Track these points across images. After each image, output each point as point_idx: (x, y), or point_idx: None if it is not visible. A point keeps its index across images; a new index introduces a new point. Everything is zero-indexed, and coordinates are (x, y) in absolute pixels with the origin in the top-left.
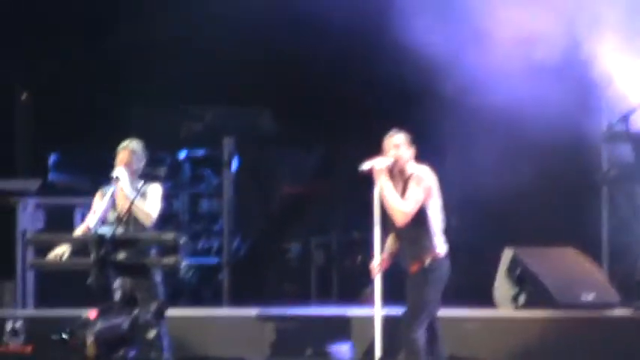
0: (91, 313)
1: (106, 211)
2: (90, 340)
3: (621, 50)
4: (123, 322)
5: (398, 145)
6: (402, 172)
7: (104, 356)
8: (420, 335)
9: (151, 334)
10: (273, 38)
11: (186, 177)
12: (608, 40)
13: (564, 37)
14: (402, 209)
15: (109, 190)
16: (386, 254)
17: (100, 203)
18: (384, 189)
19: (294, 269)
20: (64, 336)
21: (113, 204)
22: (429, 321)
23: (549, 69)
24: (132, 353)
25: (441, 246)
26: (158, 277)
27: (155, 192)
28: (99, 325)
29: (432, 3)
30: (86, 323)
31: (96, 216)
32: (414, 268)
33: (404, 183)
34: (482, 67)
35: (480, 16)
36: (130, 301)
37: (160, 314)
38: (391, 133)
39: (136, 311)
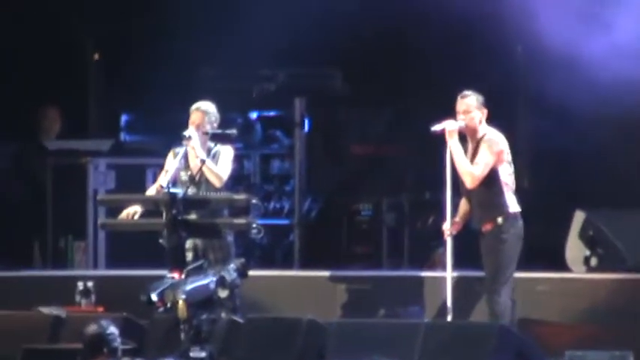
0: (175, 274)
1: (177, 171)
2: (181, 301)
3: None
4: (210, 282)
5: (468, 107)
6: (474, 134)
7: (194, 317)
8: (505, 297)
9: (223, 293)
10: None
11: (258, 138)
12: None
13: None
14: (472, 173)
15: (181, 150)
16: (458, 217)
17: (171, 163)
18: (454, 152)
19: (366, 231)
20: (153, 297)
21: (185, 164)
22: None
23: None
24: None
25: (513, 205)
26: (230, 237)
27: (226, 154)
28: (188, 286)
29: None
30: (174, 284)
31: (168, 175)
32: (487, 226)
33: (476, 145)
34: (558, 25)
35: None
36: (219, 260)
37: (244, 273)
38: (464, 94)
39: (221, 271)
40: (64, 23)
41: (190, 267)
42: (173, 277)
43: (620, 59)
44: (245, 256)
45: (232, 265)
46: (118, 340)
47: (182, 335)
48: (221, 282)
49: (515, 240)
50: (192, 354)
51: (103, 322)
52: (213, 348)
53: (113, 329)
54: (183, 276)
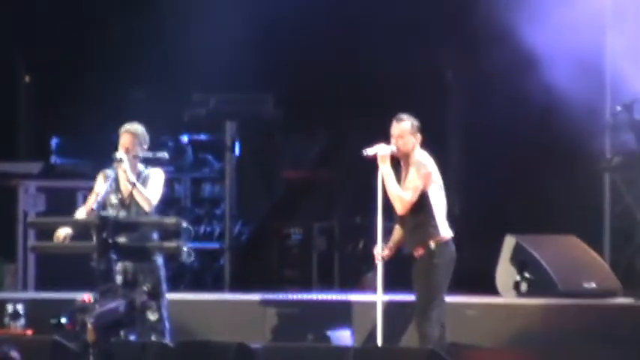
0: (86, 297)
1: (107, 194)
2: (89, 324)
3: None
4: (119, 305)
5: (402, 132)
6: (407, 158)
7: (103, 340)
8: (435, 322)
9: (152, 317)
10: (276, 25)
11: (189, 161)
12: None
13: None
14: (401, 198)
15: (112, 173)
16: (392, 243)
17: (102, 185)
18: (385, 176)
19: (296, 255)
20: (62, 321)
21: (116, 187)
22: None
23: (555, 55)
24: (131, 337)
25: (445, 230)
26: (160, 259)
27: (157, 177)
28: (97, 309)
29: None
30: (83, 307)
31: (98, 198)
32: (419, 252)
33: (407, 169)
34: (485, 51)
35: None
36: (128, 283)
37: (155, 296)
38: (397, 117)
39: (132, 294)
40: None
41: (99, 290)
42: (83, 301)
43: (546, 90)
44: (175, 280)
45: (142, 288)
46: None
47: (90, 359)
48: (130, 305)
49: (447, 265)
50: None
51: (4, 348)
52: None
53: (15, 355)
54: (92, 299)
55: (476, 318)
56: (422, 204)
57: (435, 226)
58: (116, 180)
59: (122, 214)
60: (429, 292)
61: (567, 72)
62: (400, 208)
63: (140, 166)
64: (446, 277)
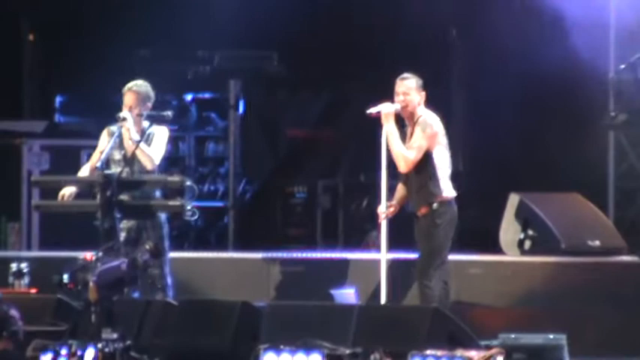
0: (88, 255)
1: (111, 150)
2: (91, 282)
3: None
4: (122, 263)
5: (407, 89)
6: (411, 117)
7: (105, 298)
8: (436, 281)
9: (155, 273)
10: None
11: (193, 120)
12: None
13: None
14: (405, 156)
15: (116, 129)
16: (395, 201)
17: (105, 141)
18: (389, 135)
19: (300, 213)
20: (64, 279)
21: (119, 143)
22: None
23: (559, 13)
24: (134, 294)
25: (448, 190)
26: (163, 216)
27: (161, 135)
28: (98, 268)
29: None
30: (85, 266)
31: (102, 155)
32: (422, 211)
33: (412, 127)
34: (489, 9)
35: None
36: (131, 241)
37: (156, 254)
38: (402, 76)
39: (134, 252)
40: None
41: (102, 248)
42: (85, 259)
43: (550, 47)
44: (179, 238)
45: (145, 246)
46: (19, 323)
47: (93, 317)
48: (133, 263)
49: (449, 225)
50: (103, 335)
51: (3, 306)
52: (125, 329)
53: (14, 313)
54: (94, 257)
55: (479, 276)
56: (426, 164)
57: (438, 186)
58: (120, 136)
59: (125, 170)
60: (430, 251)
61: (572, 30)
62: (403, 166)
63: (145, 123)
64: (447, 237)
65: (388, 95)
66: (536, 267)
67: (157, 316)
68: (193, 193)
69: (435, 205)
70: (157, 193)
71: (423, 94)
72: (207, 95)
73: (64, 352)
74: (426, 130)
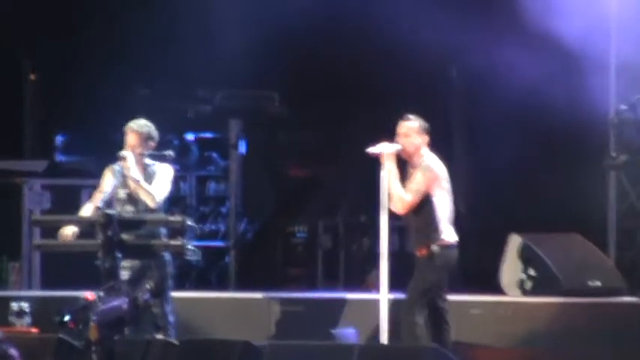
0: (89, 295)
1: (115, 188)
2: (92, 322)
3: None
4: (123, 302)
5: (408, 130)
6: (412, 158)
7: (106, 338)
8: (420, 319)
9: (156, 312)
10: (282, 21)
11: (194, 159)
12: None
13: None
14: (402, 198)
15: (119, 167)
16: None
17: (108, 180)
18: (389, 175)
19: (301, 253)
20: (65, 318)
21: (123, 181)
22: (434, 305)
23: (560, 52)
24: (135, 334)
25: (448, 234)
26: (167, 255)
27: (164, 173)
28: (99, 307)
29: None
30: (86, 305)
31: (104, 194)
32: (421, 252)
33: (415, 170)
34: (490, 52)
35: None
36: (134, 280)
37: (157, 293)
38: (407, 117)
39: (135, 291)
40: (1, 42)
41: (103, 288)
42: (86, 298)
43: (550, 87)
44: (180, 278)
45: (146, 286)
46: None
47: (93, 357)
48: (134, 302)
49: (445, 269)
50: None
51: (3, 346)
52: None
53: (13, 352)
54: (95, 297)
55: (480, 316)
56: (426, 207)
57: (437, 230)
58: (123, 174)
59: (129, 208)
60: (421, 290)
61: (572, 69)
62: (400, 208)
63: (148, 161)
64: (441, 279)
65: (388, 135)
66: (537, 307)
67: (158, 355)
68: (194, 233)
69: (434, 248)
70: (163, 231)
71: (426, 137)
72: (208, 135)
73: None
74: (426, 174)
